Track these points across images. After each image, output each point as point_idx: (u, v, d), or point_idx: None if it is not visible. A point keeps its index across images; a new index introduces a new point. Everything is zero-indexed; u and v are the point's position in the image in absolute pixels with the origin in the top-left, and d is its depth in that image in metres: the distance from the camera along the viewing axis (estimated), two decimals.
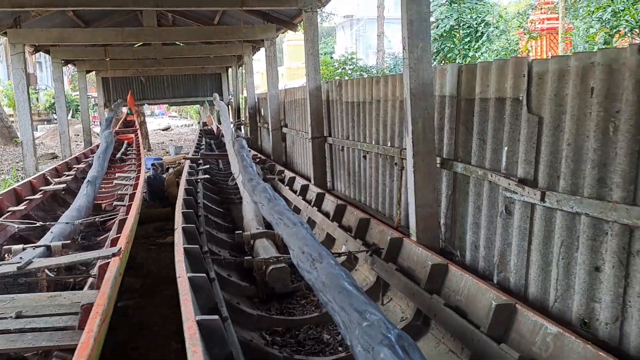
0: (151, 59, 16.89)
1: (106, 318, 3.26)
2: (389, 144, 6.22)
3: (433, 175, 4.77)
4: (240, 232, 6.36)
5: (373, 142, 6.67)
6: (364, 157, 6.99)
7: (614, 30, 11.11)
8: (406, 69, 4.65)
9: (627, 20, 10.43)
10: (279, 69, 13.64)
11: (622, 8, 10.49)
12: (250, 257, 5.44)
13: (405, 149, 5.04)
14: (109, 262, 4.08)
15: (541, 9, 19.98)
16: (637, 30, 10.30)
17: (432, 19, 17.37)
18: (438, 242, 4.88)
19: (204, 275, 3.92)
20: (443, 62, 17.26)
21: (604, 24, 11.53)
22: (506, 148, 4.15)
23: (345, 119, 7.62)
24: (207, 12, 13.66)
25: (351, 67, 22.49)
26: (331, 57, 32.81)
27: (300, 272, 4.05)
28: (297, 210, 7.84)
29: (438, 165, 4.95)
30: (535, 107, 3.84)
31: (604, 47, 11.59)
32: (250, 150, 11.14)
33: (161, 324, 5.16)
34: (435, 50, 16.83)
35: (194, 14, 14.49)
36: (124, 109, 17.18)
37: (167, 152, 19.44)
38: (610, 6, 11.00)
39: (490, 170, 4.33)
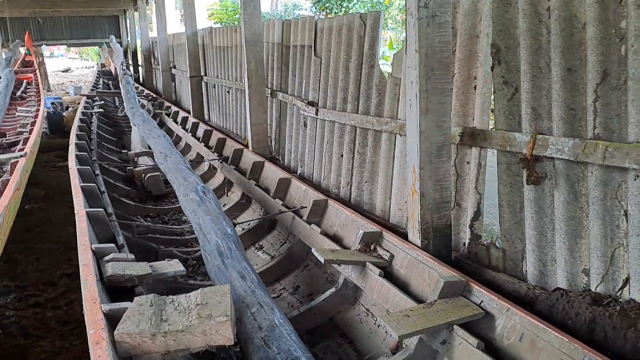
0: (48, 1, 17.39)
1: (20, 188, 4.85)
2: (243, 81, 7.93)
3: (263, 101, 6.54)
4: (127, 151, 7.99)
5: (233, 80, 8.38)
6: (228, 92, 8.70)
7: None
8: (242, 22, 6.33)
9: None
10: None
11: None
12: (132, 167, 7.09)
13: None
14: (18, 161, 5.61)
15: None
16: None
17: None
18: (268, 151, 6.72)
19: (89, 167, 5.52)
20: (324, 11, 18.97)
21: None
22: (304, 81, 5.98)
23: (215, 61, 9.25)
24: None
25: None
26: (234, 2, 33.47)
27: (159, 166, 5.79)
28: (178, 137, 9.50)
29: (268, 95, 6.75)
30: (318, 52, 5.67)
31: None
32: (139, 88, 12.50)
33: (60, 216, 6.75)
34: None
35: None
36: (22, 50, 17.68)
37: (67, 93, 20.15)
38: None
39: (296, 97, 6.17)
